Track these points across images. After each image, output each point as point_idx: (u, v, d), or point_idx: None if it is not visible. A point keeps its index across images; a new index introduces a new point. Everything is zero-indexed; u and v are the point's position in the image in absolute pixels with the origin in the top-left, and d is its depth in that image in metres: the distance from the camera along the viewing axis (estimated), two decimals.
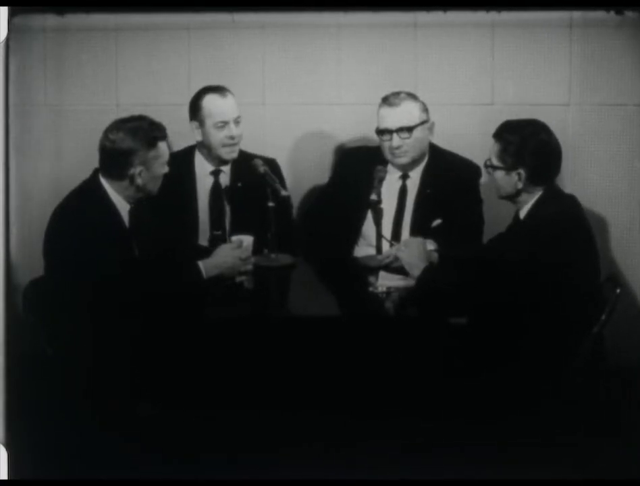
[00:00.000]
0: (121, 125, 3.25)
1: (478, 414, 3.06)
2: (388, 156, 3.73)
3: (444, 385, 3.05)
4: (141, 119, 3.27)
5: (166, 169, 3.29)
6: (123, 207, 3.28)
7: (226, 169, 3.83)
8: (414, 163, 3.76)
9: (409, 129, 3.68)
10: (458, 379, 3.05)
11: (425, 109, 3.73)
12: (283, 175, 3.91)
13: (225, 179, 3.84)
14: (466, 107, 4.09)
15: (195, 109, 3.77)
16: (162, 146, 3.26)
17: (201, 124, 3.76)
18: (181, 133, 4.10)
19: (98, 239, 3.16)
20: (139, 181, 3.23)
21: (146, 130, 3.23)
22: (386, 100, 3.72)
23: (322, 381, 3.08)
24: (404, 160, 3.73)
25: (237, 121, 3.75)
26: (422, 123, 3.71)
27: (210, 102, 3.75)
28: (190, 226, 3.80)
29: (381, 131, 3.72)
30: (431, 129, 3.75)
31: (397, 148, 3.70)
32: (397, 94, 3.72)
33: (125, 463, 3.06)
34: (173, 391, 3.10)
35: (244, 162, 3.77)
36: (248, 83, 3.91)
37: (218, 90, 3.75)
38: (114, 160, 3.24)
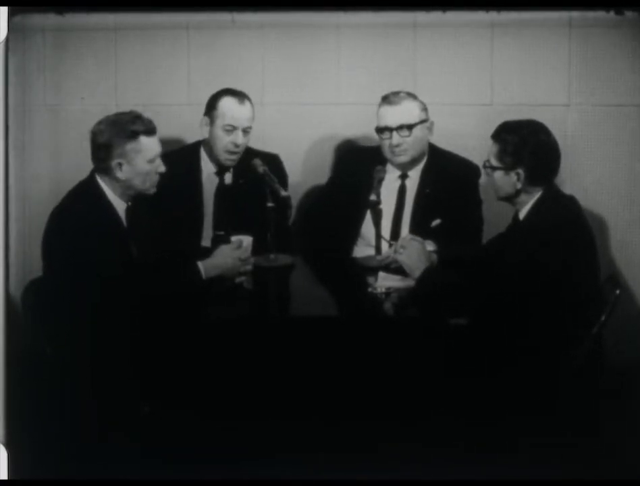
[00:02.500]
0: (105, 118, 3.26)
1: (477, 414, 3.06)
2: (388, 154, 3.74)
3: (444, 385, 3.06)
4: (127, 113, 3.27)
5: (159, 168, 3.27)
6: (120, 206, 3.28)
7: (231, 168, 3.83)
8: (413, 162, 3.76)
9: (409, 127, 3.69)
10: (458, 379, 3.05)
11: (424, 108, 3.74)
12: (286, 171, 3.91)
13: (230, 179, 3.84)
14: (465, 107, 4.09)
15: (210, 106, 3.76)
16: (145, 141, 3.23)
17: (211, 122, 3.76)
18: (179, 133, 4.12)
19: (96, 239, 3.15)
20: (119, 174, 3.22)
21: (124, 123, 3.22)
22: (386, 99, 3.72)
23: (321, 381, 3.08)
24: (403, 158, 3.73)
25: (245, 131, 3.75)
26: (422, 122, 3.71)
27: (226, 105, 3.74)
28: (195, 226, 3.81)
29: (381, 130, 3.72)
30: (430, 129, 3.76)
31: (397, 146, 3.70)
32: (397, 93, 3.73)
33: (125, 463, 3.06)
34: (172, 392, 3.10)
35: (248, 160, 3.77)
36: (248, 83, 3.90)
37: (238, 95, 3.75)
38: (95, 152, 3.24)
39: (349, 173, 3.88)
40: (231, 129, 3.73)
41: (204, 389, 3.10)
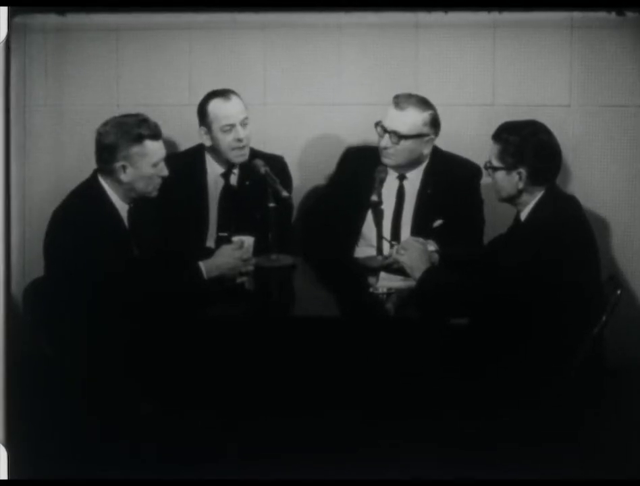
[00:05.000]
0: (111, 119, 3.26)
1: (478, 414, 3.06)
2: (379, 151, 3.72)
3: (444, 385, 3.06)
4: (133, 116, 3.26)
5: (162, 171, 3.27)
6: (122, 207, 3.28)
7: (236, 169, 3.83)
8: (409, 166, 3.74)
9: (399, 137, 3.65)
10: (459, 379, 3.05)
11: (430, 123, 3.65)
12: (290, 173, 3.91)
13: (235, 180, 3.84)
14: (467, 108, 4.08)
15: (202, 115, 3.77)
16: (150, 144, 3.23)
17: (209, 129, 3.76)
18: (181, 134, 4.12)
19: (98, 239, 3.16)
20: (123, 177, 3.22)
21: (130, 125, 3.22)
22: (396, 99, 3.67)
23: (322, 381, 3.08)
24: (387, 161, 3.70)
25: (243, 123, 3.75)
26: (419, 136, 3.66)
27: (216, 107, 3.74)
28: (199, 227, 3.81)
29: (380, 125, 3.68)
30: (428, 143, 3.68)
31: (385, 148, 3.68)
32: (408, 96, 3.67)
33: (125, 463, 3.06)
34: (172, 392, 3.10)
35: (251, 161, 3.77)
36: (249, 83, 3.91)
37: (222, 93, 3.76)
38: (99, 153, 3.24)
39: (350, 173, 3.87)
40: (230, 127, 3.74)
41: (205, 389, 3.10)
